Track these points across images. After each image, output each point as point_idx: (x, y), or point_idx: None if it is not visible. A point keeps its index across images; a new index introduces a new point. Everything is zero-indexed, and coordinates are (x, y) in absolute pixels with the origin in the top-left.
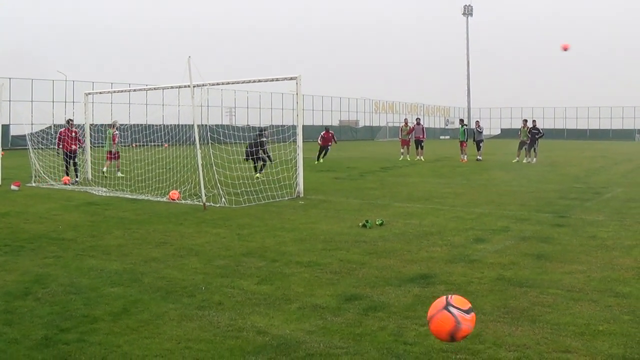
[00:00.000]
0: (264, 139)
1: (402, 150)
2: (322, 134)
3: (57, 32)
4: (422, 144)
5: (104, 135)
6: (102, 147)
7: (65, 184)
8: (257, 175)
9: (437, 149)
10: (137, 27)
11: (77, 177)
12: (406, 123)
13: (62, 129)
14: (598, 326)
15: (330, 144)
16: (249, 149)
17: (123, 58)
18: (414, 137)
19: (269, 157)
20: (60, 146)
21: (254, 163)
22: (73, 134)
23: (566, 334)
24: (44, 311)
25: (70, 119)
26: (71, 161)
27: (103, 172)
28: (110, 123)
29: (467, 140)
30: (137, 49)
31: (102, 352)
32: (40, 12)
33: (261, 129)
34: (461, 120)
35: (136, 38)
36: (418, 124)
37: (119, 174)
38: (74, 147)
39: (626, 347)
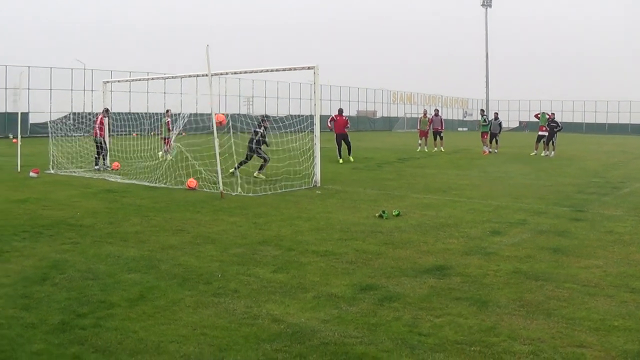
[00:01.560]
0: (262, 130)
1: (419, 141)
2: (333, 116)
3: (76, 21)
4: (441, 134)
5: (159, 123)
6: (158, 135)
7: (115, 169)
8: (256, 174)
9: (455, 141)
10: (156, 16)
11: (96, 164)
12: (425, 114)
13: (100, 116)
14: (613, 321)
15: (345, 130)
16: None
17: (141, 47)
18: (432, 128)
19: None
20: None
21: (247, 156)
22: (102, 121)
23: (581, 328)
24: (61, 296)
25: (106, 108)
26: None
27: (159, 156)
28: (164, 111)
29: (489, 132)
30: (155, 39)
31: (118, 337)
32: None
33: (263, 118)
34: (482, 111)
35: (155, 27)
36: (436, 115)
37: (168, 157)
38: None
39: None
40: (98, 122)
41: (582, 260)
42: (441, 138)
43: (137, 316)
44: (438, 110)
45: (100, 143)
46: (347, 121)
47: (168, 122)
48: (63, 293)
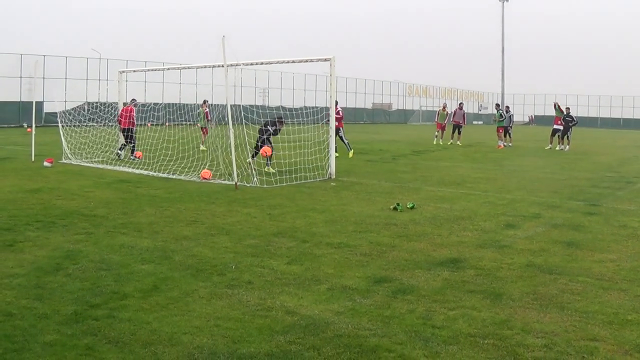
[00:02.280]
0: (273, 129)
1: (436, 133)
2: (338, 109)
3: (92, 10)
4: (461, 129)
5: (195, 113)
6: (193, 124)
7: (138, 157)
8: (268, 169)
9: (470, 134)
10: (172, 7)
11: (121, 149)
12: (444, 107)
13: (128, 107)
14: (627, 315)
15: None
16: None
17: (157, 37)
18: (453, 121)
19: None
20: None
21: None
22: (127, 112)
23: (594, 322)
24: (74, 287)
25: (133, 99)
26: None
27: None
28: (201, 102)
29: (504, 125)
30: (171, 29)
31: (132, 328)
32: None
33: (280, 119)
34: (497, 105)
35: (171, 17)
36: (460, 108)
37: (202, 147)
38: (126, 126)
39: None
40: (126, 112)
41: (595, 254)
42: (459, 132)
43: (150, 307)
44: (462, 104)
45: (131, 133)
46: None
47: (207, 112)
48: (76, 283)
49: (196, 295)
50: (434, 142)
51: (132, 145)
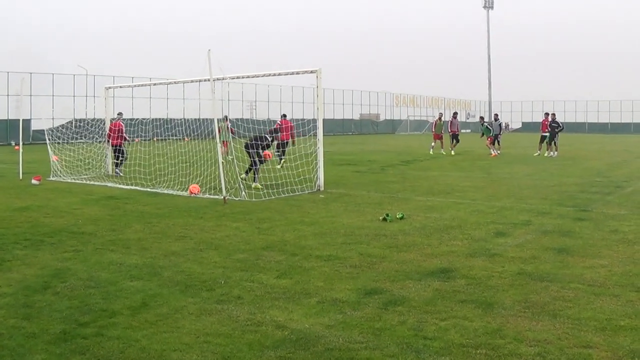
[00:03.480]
0: (270, 139)
1: (433, 143)
2: (280, 121)
3: (78, 27)
4: (458, 137)
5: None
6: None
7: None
8: (255, 185)
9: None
10: (157, 22)
11: (117, 167)
12: (440, 117)
13: (113, 122)
14: (620, 321)
15: (291, 139)
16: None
17: (144, 52)
18: (450, 130)
19: (261, 161)
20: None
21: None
22: (117, 127)
23: (587, 329)
24: (63, 305)
25: (119, 112)
26: (116, 154)
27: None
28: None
29: (492, 135)
30: (157, 44)
31: (121, 346)
32: (60, 8)
33: (276, 129)
34: (481, 118)
35: (157, 32)
36: (455, 117)
37: (228, 158)
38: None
39: None
40: (115, 128)
41: (587, 260)
42: (458, 141)
43: (139, 324)
44: (457, 114)
45: (121, 150)
46: (292, 129)
47: (229, 126)
48: (65, 302)
49: (185, 311)
50: (431, 152)
51: (121, 160)
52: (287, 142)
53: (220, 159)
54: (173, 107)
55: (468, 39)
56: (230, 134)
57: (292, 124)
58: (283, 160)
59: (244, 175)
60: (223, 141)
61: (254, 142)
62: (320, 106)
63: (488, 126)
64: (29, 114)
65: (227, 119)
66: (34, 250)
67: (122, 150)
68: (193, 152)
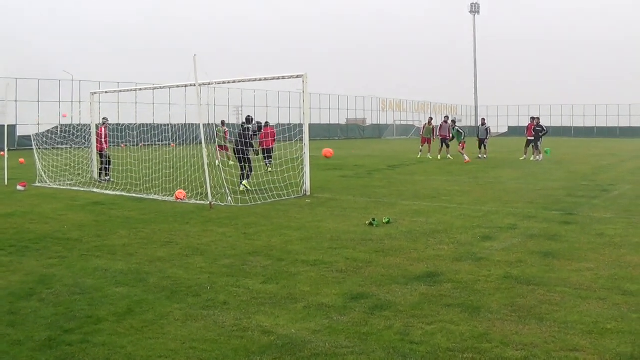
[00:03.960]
0: (251, 133)
1: (421, 147)
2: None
3: (64, 32)
4: (448, 142)
5: (216, 131)
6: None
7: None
8: (244, 183)
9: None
10: (143, 27)
11: (107, 174)
12: (430, 122)
13: (102, 126)
14: (606, 324)
15: (272, 145)
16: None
17: (129, 58)
18: (440, 135)
19: (250, 159)
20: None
21: (241, 168)
22: (103, 132)
23: (574, 332)
24: (48, 312)
25: (104, 118)
26: (102, 160)
27: (217, 165)
28: (220, 122)
29: (464, 140)
30: (143, 49)
31: (106, 353)
32: (46, 12)
33: (248, 119)
34: (453, 122)
35: (142, 37)
36: (446, 122)
37: (217, 163)
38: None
39: (634, 346)
40: (100, 133)
41: (573, 264)
42: (447, 146)
43: (125, 331)
44: (448, 118)
45: (107, 156)
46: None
47: (226, 131)
48: (50, 308)
49: (171, 317)
50: (419, 156)
51: (107, 166)
52: (272, 148)
53: (207, 164)
54: (159, 112)
55: (454, 44)
56: (225, 139)
57: (274, 131)
58: (271, 164)
59: (245, 182)
60: (221, 145)
61: (240, 146)
62: (306, 111)
63: (459, 130)
64: (14, 120)
65: (224, 124)
66: (19, 256)
67: (104, 155)
68: (179, 158)
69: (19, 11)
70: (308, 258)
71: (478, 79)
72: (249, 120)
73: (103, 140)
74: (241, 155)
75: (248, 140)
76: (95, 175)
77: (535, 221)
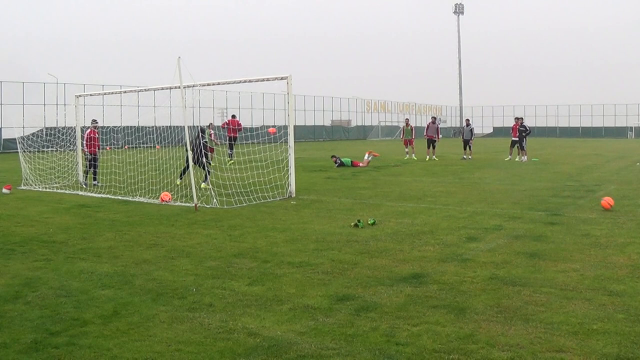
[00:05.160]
0: (205, 140)
1: (406, 149)
2: (228, 120)
3: (48, 35)
4: (435, 143)
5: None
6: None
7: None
8: (203, 185)
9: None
10: (127, 29)
11: (95, 179)
12: (407, 123)
13: (88, 130)
14: (592, 325)
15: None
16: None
17: (114, 60)
18: (426, 135)
19: (208, 163)
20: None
21: (201, 168)
22: (96, 135)
23: (560, 333)
24: (34, 315)
25: (94, 119)
26: (94, 163)
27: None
28: (207, 125)
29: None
30: (127, 51)
31: (92, 355)
32: (30, 15)
33: (202, 129)
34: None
35: (127, 40)
36: (433, 122)
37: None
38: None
39: (620, 346)
40: (87, 136)
41: (558, 264)
42: (434, 147)
43: (111, 333)
44: (435, 118)
45: (93, 159)
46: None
47: (212, 134)
48: (36, 311)
49: (157, 319)
50: (406, 158)
51: (94, 170)
52: (235, 138)
53: (191, 166)
54: (144, 114)
55: (439, 44)
56: (212, 141)
57: (239, 123)
58: (233, 157)
59: (203, 185)
60: (210, 147)
61: (194, 145)
62: (291, 113)
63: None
64: None
65: (210, 126)
66: (5, 259)
67: (96, 158)
68: (164, 160)
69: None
70: (293, 260)
71: (463, 80)
72: (203, 130)
73: (93, 143)
74: (196, 154)
75: (201, 147)
76: (81, 178)
77: (520, 222)
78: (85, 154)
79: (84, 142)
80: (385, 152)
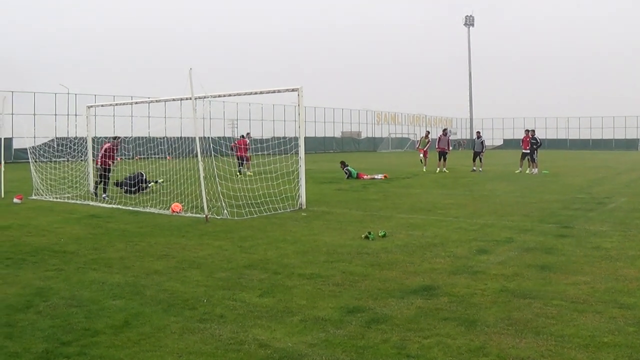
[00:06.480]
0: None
1: (421, 156)
2: (238, 141)
3: (60, 45)
4: (446, 155)
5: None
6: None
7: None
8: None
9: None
10: (139, 40)
11: (105, 191)
12: (427, 135)
13: (108, 143)
14: (603, 338)
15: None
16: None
17: (125, 71)
18: (438, 148)
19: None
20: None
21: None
22: (115, 149)
23: (571, 345)
24: (45, 324)
25: (117, 137)
26: (106, 174)
27: (249, 175)
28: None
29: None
30: (139, 62)
31: None
32: (42, 26)
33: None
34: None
35: (138, 50)
36: (445, 134)
37: (249, 173)
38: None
39: (631, 359)
40: (104, 150)
41: (569, 277)
42: (445, 159)
43: (122, 343)
44: (447, 130)
45: (107, 172)
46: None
47: (247, 143)
48: (47, 321)
49: (168, 330)
50: (424, 170)
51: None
52: (244, 157)
53: (202, 175)
54: (155, 125)
55: (449, 56)
56: (246, 150)
57: (247, 142)
58: (243, 171)
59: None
60: (246, 156)
61: (127, 181)
62: (301, 124)
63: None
64: (10, 133)
65: (248, 135)
66: (16, 269)
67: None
68: (175, 171)
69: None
70: (304, 271)
71: (473, 92)
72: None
73: (108, 154)
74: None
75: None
76: (91, 189)
77: (531, 234)
78: (96, 165)
79: (99, 154)
80: (396, 165)
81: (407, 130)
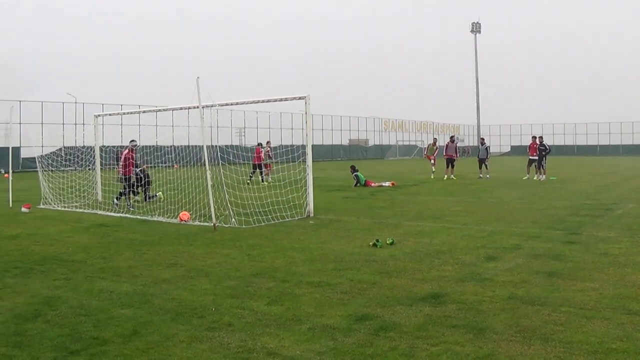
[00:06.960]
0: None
1: (432, 161)
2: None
3: (67, 55)
4: (454, 162)
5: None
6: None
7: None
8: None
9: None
10: (146, 49)
11: (117, 199)
12: (434, 142)
13: (126, 150)
14: (611, 344)
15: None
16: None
17: (133, 80)
18: (446, 155)
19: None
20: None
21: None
22: (133, 155)
23: (579, 352)
24: (54, 333)
25: (133, 140)
26: (128, 183)
27: (268, 182)
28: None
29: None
30: (146, 71)
31: None
32: (49, 36)
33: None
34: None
35: (146, 60)
36: (452, 141)
37: (269, 179)
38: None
39: None
40: (124, 156)
41: (577, 283)
42: (452, 166)
43: (130, 352)
44: (454, 137)
45: (126, 179)
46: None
47: (268, 151)
48: (55, 330)
49: (176, 339)
50: (432, 177)
51: (132, 190)
52: (257, 165)
53: (210, 183)
54: (162, 134)
55: (456, 64)
56: (269, 157)
57: (260, 150)
58: (264, 178)
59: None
60: (265, 164)
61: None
62: (309, 132)
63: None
64: (18, 142)
65: (268, 144)
66: (24, 278)
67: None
68: (182, 179)
69: (23, 33)
70: (312, 279)
71: (480, 98)
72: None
73: (129, 162)
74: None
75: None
76: (115, 200)
77: (539, 241)
78: (119, 175)
79: (120, 163)
80: (404, 172)
81: (414, 137)
